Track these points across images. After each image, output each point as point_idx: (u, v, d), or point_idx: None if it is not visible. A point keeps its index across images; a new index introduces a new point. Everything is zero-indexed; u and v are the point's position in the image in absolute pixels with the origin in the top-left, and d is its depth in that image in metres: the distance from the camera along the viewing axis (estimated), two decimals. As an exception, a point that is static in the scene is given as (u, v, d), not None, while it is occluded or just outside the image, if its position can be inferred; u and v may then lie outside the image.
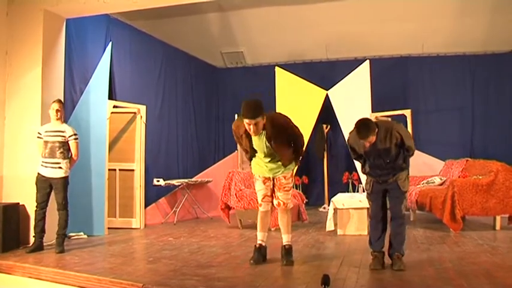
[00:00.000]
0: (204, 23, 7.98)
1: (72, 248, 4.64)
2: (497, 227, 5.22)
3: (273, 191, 3.89)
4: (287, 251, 3.78)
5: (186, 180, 7.14)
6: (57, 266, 3.73)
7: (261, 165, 3.83)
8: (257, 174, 3.87)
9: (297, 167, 4.03)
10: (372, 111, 7.43)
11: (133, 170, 6.26)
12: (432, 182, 6.39)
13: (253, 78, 8.88)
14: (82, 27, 5.77)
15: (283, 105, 7.60)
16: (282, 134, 3.61)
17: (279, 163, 3.78)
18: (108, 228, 5.71)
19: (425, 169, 7.04)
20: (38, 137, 4.62)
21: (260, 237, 3.91)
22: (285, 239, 3.84)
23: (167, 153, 7.49)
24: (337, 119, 7.53)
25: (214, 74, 9.14)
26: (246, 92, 9.01)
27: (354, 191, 7.71)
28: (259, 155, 3.77)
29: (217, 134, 9.12)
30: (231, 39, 8.41)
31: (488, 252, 3.98)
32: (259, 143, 3.68)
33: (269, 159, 3.76)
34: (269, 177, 3.85)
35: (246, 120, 3.46)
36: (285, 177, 3.84)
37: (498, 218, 5.25)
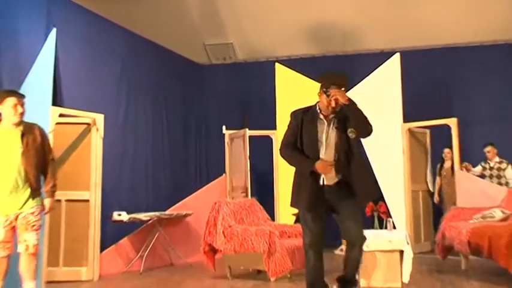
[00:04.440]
0: (182, 6, 8.02)
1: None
2: None
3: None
4: None
5: (157, 214, 6.98)
6: None
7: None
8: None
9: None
10: (404, 121, 7.36)
11: (85, 201, 6.19)
12: (491, 217, 6.19)
13: (246, 79, 9.02)
14: (11, 6, 5.66)
15: (285, 110, 7.66)
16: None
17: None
18: (48, 282, 5.48)
19: (480, 199, 6.80)
20: None
21: None
22: None
23: (133, 177, 7.55)
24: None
25: (195, 73, 9.26)
26: (237, 96, 9.12)
27: (381, 227, 7.55)
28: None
29: (200, 152, 9.20)
30: (217, 27, 8.57)
31: None
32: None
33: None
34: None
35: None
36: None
37: None
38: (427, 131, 7.86)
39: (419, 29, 8.08)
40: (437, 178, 7.65)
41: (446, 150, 7.49)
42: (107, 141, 6.45)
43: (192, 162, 9.08)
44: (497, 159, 7.21)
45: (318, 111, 3.72)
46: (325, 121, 3.69)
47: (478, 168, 7.23)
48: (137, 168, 7.62)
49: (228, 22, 8.41)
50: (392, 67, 7.40)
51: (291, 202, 3.81)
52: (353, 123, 3.55)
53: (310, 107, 3.81)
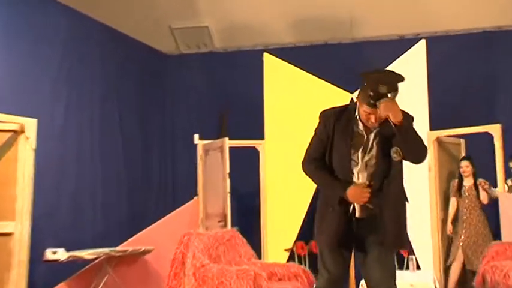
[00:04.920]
0: (142, -23, 8.20)
1: None
2: None
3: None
4: None
5: (106, 251, 6.87)
6: None
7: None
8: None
9: None
10: (431, 128, 7.39)
11: (8, 235, 6.09)
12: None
13: (225, 73, 9.06)
14: None
15: (276, 115, 7.82)
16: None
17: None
18: None
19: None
20: None
21: None
22: None
23: (75, 201, 7.52)
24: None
25: (158, 65, 9.32)
26: (213, 95, 9.29)
27: (401, 268, 7.43)
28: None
29: (164, 168, 9.23)
30: (188, 6, 8.55)
31: None
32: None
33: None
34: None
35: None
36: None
37: None
38: (462, 141, 7.85)
39: (450, 9, 8.14)
40: (453, 200, 7.58)
41: (465, 163, 7.47)
42: (40, 153, 6.41)
43: (154, 181, 9.12)
44: None
45: (357, 117, 3.61)
46: (364, 133, 3.59)
47: (501, 188, 7.21)
48: (81, 190, 7.61)
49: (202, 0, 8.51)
50: (415, 58, 7.43)
51: (314, 236, 3.86)
52: (401, 143, 3.50)
53: (346, 106, 3.74)
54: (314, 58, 8.46)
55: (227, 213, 7.37)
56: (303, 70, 7.97)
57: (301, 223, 7.52)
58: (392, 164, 3.56)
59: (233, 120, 8.71)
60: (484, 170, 7.55)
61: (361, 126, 3.56)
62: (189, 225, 7.74)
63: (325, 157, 3.66)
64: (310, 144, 3.77)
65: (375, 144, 3.57)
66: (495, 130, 7.17)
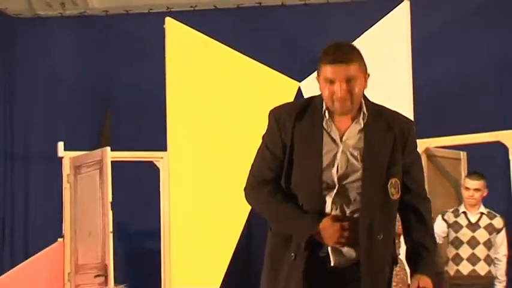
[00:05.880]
0: None
1: None
2: None
3: None
4: None
5: None
6: None
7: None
8: None
9: None
10: (420, 136, 7.30)
11: None
12: None
13: (106, 46, 9.23)
14: None
15: (185, 115, 7.96)
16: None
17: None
18: None
19: None
20: None
21: None
22: None
23: None
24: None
25: (1, 33, 9.33)
26: (88, 82, 9.32)
27: None
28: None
29: (9, 193, 9.18)
30: None
31: None
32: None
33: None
34: None
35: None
36: None
37: None
38: (462, 154, 7.95)
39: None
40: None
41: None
42: None
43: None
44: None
45: (324, 111, 3.52)
46: (337, 136, 3.52)
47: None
48: None
49: None
50: (395, 26, 7.63)
51: None
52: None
53: (309, 100, 3.61)
54: (241, 29, 8.57)
55: (109, 264, 7.30)
56: (226, 45, 8.06)
57: (223, 275, 7.53)
58: (389, 197, 3.49)
59: (118, 121, 8.65)
60: (493, 194, 7.56)
61: (334, 128, 3.51)
62: (48, 283, 7.69)
63: (280, 178, 3.52)
64: (255, 160, 3.59)
65: (357, 155, 3.50)
66: (508, 138, 7.15)
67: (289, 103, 3.76)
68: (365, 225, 3.43)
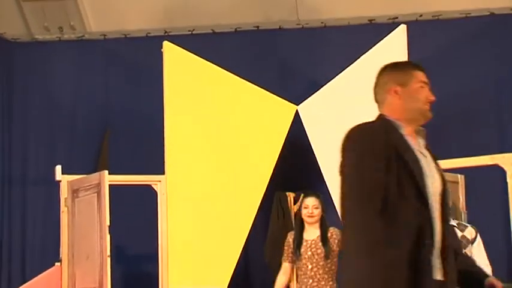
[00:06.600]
0: None
1: None
2: None
3: None
4: None
5: None
6: None
7: None
8: None
9: None
10: None
11: None
12: None
13: (105, 69, 9.24)
14: None
15: (183, 138, 7.90)
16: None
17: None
18: None
19: None
20: None
21: None
22: None
23: None
24: (322, 171, 7.71)
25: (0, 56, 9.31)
26: (86, 104, 9.31)
27: None
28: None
29: (7, 216, 9.16)
30: None
31: None
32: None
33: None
34: None
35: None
36: None
37: None
38: (460, 177, 7.90)
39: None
40: (285, 266, 7.45)
41: (311, 201, 7.07)
42: None
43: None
44: None
45: (402, 131, 3.20)
46: (426, 152, 3.21)
47: None
48: None
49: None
50: (392, 50, 7.64)
51: None
52: None
53: (385, 122, 3.27)
54: (239, 52, 8.60)
55: (106, 288, 7.27)
56: (224, 69, 8.05)
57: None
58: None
59: (116, 145, 8.65)
60: (491, 217, 7.69)
61: (419, 143, 3.23)
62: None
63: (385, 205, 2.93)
64: (361, 193, 2.95)
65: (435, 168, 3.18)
66: (507, 162, 7.10)
67: (369, 122, 3.30)
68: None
